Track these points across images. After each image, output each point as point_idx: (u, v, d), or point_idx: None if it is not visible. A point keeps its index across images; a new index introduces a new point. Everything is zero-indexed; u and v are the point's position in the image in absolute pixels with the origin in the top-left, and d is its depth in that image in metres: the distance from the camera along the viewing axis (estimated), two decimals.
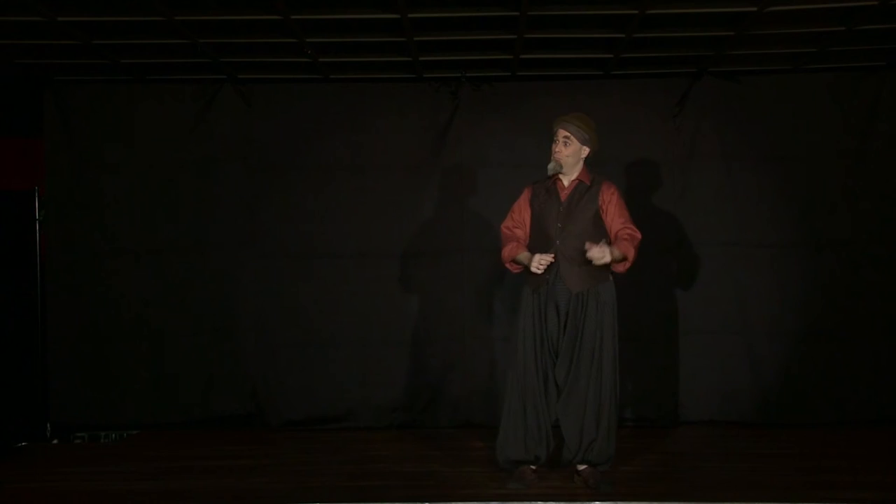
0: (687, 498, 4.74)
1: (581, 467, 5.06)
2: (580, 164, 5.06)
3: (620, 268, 4.99)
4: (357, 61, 6.39)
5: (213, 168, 6.74)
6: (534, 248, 5.02)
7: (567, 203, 5.01)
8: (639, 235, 4.98)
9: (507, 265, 5.18)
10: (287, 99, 6.76)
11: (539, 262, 4.89)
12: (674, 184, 6.69)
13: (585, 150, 5.04)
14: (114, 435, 6.69)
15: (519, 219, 5.14)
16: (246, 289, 6.73)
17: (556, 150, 5.01)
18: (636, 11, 5.40)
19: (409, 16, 5.42)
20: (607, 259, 4.82)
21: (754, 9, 5.35)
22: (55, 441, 6.63)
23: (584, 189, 5.03)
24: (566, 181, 5.06)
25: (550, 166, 5.03)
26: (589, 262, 4.89)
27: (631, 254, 4.92)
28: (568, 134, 4.99)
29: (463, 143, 6.73)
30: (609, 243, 4.93)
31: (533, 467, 5.10)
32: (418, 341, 6.71)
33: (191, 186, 6.73)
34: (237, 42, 5.99)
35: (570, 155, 5.00)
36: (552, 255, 4.92)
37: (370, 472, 5.42)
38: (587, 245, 4.83)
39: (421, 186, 6.74)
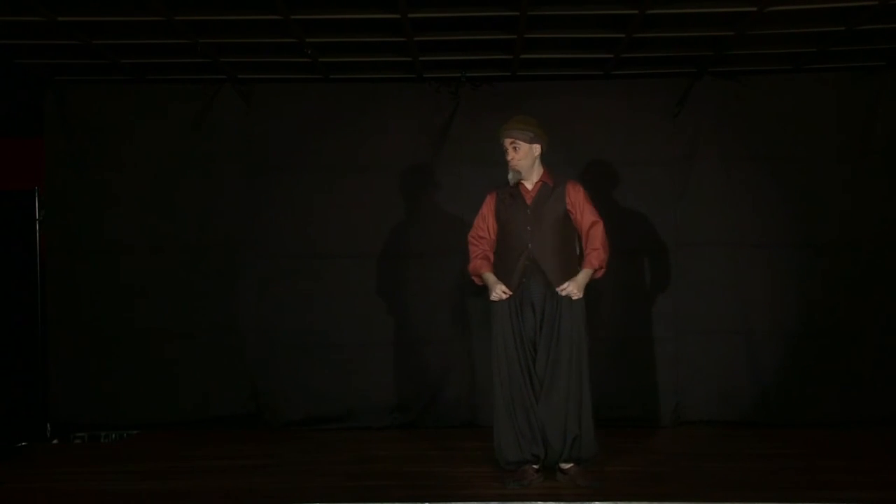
0: (687, 498, 4.74)
1: (566, 466, 5.07)
2: (537, 165, 5.10)
3: (599, 274, 5.09)
4: (357, 61, 6.39)
5: (213, 168, 6.74)
6: (506, 253, 5.10)
7: (534, 205, 5.06)
8: (606, 242, 5.06)
9: (473, 278, 5.27)
10: (287, 99, 6.75)
11: (498, 295, 5.03)
12: (674, 184, 6.69)
13: (537, 148, 5.07)
14: (114, 435, 6.68)
15: (483, 226, 5.21)
16: (246, 289, 6.73)
17: (509, 158, 5.06)
18: (636, 11, 5.41)
19: (409, 16, 5.43)
20: (580, 294, 4.98)
21: (754, 9, 5.35)
22: (55, 441, 6.63)
23: (548, 190, 5.08)
24: (529, 184, 5.11)
25: (510, 176, 5.09)
26: (561, 261, 5.02)
27: (604, 263, 5.06)
28: (512, 139, 5.05)
29: (463, 143, 6.73)
30: (580, 240, 5.10)
31: (535, 466, 5.10)
32: (418, 341, 6.71)
33: (191, 186, 6.73)
34: (237, 42, 5.99)
35: (522, 158, 5.04)
36: (511, 294, 5.02)
37: (370, 472, 5.42)
38: (559, 289, 4.97)
39: (421, 186, 6.74)
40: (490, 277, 5.13)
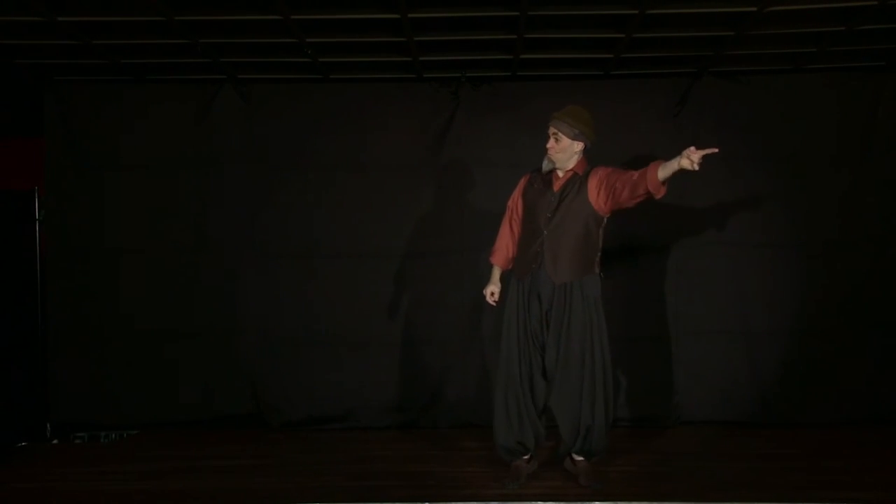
0: (687, 498, 4.74)
1: (577, 458, 5.10)
2: (575, 158, 5.09)
3: (664, 190, 4.85)
4: (357, 61, 6.39)
5: (213, 168, 6.74)
6: (524, 238, 5.15)
7: (560, 194, 5.06)
8: None
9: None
10: (287, 99, 6.75)
11: (487, 295, 5.28)
12: (674, 184, 6.64)
13: (578, 145, 5.06)
14: (114, 435, 6.68)
15: (514, 209, 5.27)
16: (246, 289, 6.73)
17: (548, 146, 5.07)
18: (636, 11, 5.41)
19: (409, 16, 5.43)
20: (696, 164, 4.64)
21: (754, 9, 5.35)
22: (55, 441, 6.63)
23: (577, 181, 5.07)
24: (561, 173, 5.11)
25: (544, 163, 5.11)
26: (575, 255, 4.99)
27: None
28: (556, 130, 5.04)
29: (463, 143, 6.73)
30: (599, 244, 5.09)
31: (525, 457, 5.12)
32: (418, 341, 6.71)
33: (191, 186, 6.73)
34: (237, 42, 5.99)
35: (560, 151, 5.04)
36: (496, 301, 5.25)
37: (370, 472, 5.43)
38: (690, 152, 4.62)
39: (421, 186, 6.74)
40: (494, 273, 5.29)
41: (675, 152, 6.62)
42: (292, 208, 6.73)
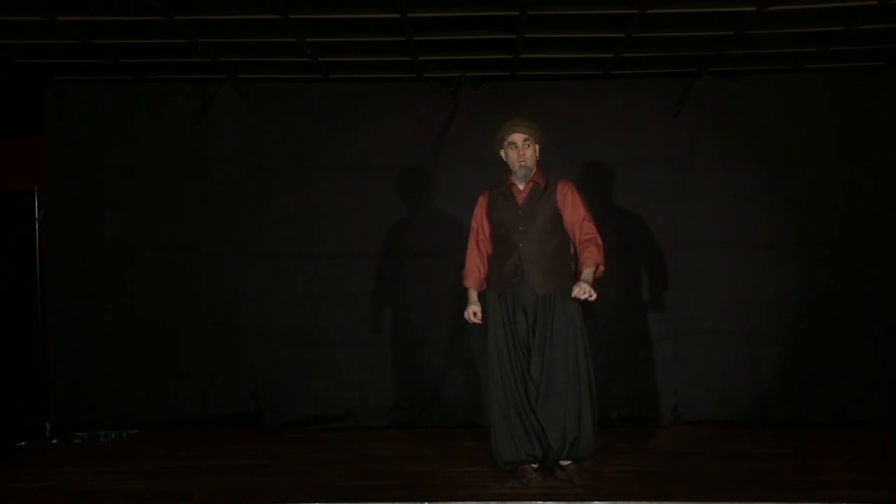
0: (687, 498, 4.74)
1: (564, 463, 5.09)
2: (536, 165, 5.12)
3: (600, 272, 5.00)
4: (357, 61, 6.39)
5: (213, 168, 6.74)
6: (498, 255, 5.14)
7: (526, 206, 5.07)
8: (600, 239, 5.00)
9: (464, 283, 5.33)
10: (287, 99, 6.75)
11: (467, 315, 5.20)
12: (674, 184, 6.69)
13: (539, 150, 5.11)
14: (114, 435, 6.69)
15: (479, 230, 5.24)
16: (246, 288, 6.73)
17: (521, 154, 5.04)
18: (636, 11, 5.41)
19: (409, 16, 5.43)
20: (594, 294, 4.82)
21: (754, 9, 5.36)
22: (55, 441, 6.63)
23: (540, 190, 5.08)
24: (521, 185, 5.11)
25: (521, 174, 5.07)
26: (553, 262, 5.01)
27: (601, 260, 4.97)
28: (527, 136, 5.05)
29: (463, 142, 6.73)
30: (574, 247, 5.07)
31: (534, 465, 5.11)
32: (418, 341, 6.71)
33: (191, 186, 6.73)
34: (237, 42, 5.99)
35: (532, 157, 5.07)
36: (479, 320, 5.17)
37: (370, 472, 5.42)
38: (573, 297, 4.86)
39: (421, 186, 6.74)
40: (471, 295, 5.24)
41: (675, 152, 6.71)
42: (292, 208, 6.73)
